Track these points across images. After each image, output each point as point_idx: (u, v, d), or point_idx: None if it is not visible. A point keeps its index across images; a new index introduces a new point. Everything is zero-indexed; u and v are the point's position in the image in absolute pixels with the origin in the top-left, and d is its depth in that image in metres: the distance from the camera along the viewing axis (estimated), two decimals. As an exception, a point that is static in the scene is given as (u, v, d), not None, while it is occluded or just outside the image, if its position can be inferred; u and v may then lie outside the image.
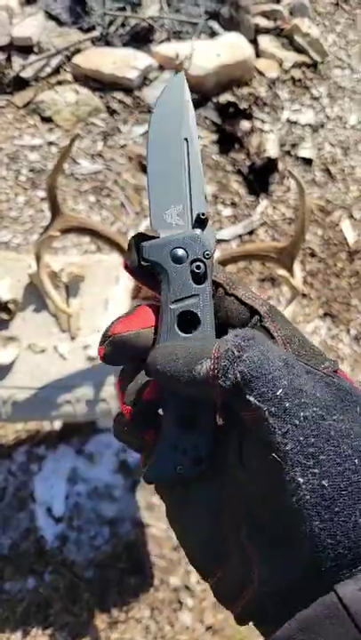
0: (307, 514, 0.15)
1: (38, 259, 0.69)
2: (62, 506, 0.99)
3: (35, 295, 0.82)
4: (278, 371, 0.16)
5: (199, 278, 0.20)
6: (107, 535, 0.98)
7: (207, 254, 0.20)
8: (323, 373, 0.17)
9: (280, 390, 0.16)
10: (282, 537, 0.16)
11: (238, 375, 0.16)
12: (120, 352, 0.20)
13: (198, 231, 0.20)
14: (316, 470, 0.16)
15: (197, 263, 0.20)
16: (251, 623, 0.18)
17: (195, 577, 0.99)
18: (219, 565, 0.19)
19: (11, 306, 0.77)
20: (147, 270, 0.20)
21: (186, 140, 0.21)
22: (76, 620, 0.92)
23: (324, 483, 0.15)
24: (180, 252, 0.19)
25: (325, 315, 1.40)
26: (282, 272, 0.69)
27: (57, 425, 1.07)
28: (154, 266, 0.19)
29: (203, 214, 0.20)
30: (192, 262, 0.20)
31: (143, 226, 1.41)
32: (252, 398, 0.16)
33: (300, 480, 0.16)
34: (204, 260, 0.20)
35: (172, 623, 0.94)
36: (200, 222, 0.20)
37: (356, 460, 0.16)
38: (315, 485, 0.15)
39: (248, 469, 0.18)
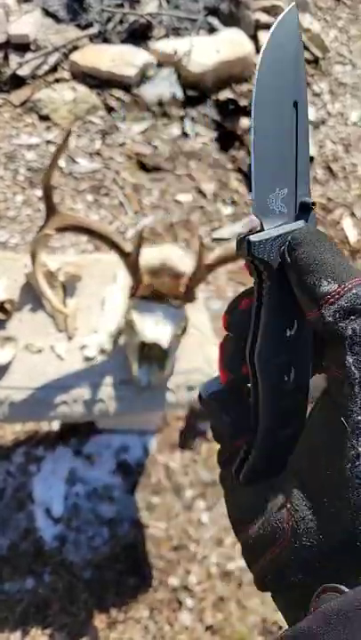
0: (357, 484, 0.15)
1: (34, 258, 0.68)
2: (61, 506, 0.99)
3: (31, 295, 0.81)
4: None
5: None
6: (105, 536, 0.98)
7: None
8: None
9: None
10: (326, 502, 0.16)
11: (350, 329, 0.16)
12: (243, 324, 0.19)
13: (304, 223, 0.18)
14: None
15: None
16: (270, 594, 0.18)
17: (194, 577, 0.99)
18: (253, 517, 0.19)
19: (7, 306, 0.77)
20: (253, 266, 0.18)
21: (295, 104, 0.18)
22: (74, 621, 0.92)
23: None
24: None
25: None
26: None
27: (55, 426, 1.06)
28: (263, 262, 0.18)
29: (309, 202, 0.18)
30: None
31: (142, 225, 1.40)
32: (350, 359, 0.16)
33: None
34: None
35: (172, 623, 0.94)
36: (305, 210, 0.18)
37: None
38: None
39: (313, 425, 0.18)
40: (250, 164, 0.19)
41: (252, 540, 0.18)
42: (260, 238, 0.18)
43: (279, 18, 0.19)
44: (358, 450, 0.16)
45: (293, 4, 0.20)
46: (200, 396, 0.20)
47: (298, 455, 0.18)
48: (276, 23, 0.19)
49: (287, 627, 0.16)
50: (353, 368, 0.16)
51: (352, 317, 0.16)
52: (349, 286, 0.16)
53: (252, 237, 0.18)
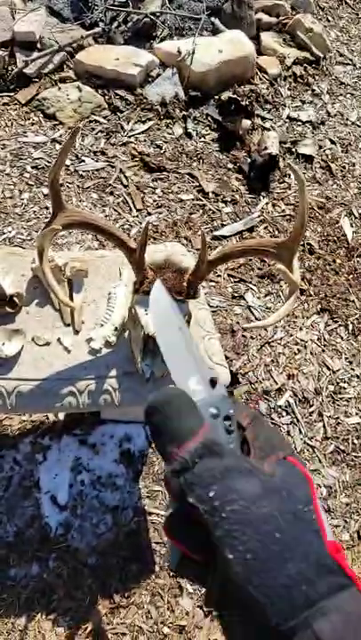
0: (240, 582, 0.19)
1: (41, 253, 0.70)
2: (66, 494, 1.02)
3: (39, 289, 0.83)
4: (212, 478, 0.21)
5: (229, 432, 0.26)
6: (109, 523, 1.01)
7: (231, 413, 0.26)
8: (262, 473, 0.22)
9: (212, 493, 0.21)
10: (242, 607, 0.20)
11: (182, 480, 0.22)
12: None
13: (223, 393, 0.26)
14: (240, 548, 0.20)
15: (227, 422, 0.26)
16: None
17: (194, 564, 1.02)
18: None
19: (15, 299, 0.79)
20: None
21: (180, 328, 0.29)
22: (79, 606, 0.95)
23: (248, 556, 0.20)
24: (214, 410, 0.25)
25: (323, 310, 1.42)
26: (281, 268, 0.70)
27: (61, 416, 1.09)
28: None
29: (214, 378, 0.27)
30: (224, 419, 0.25)
31: (145, 223, 1.42)
32: (191, 499, 0.21)
33: (230, 556, 0.20)
34: (230, 416, 0.26)
35: (173, 609, 0.97)
36: (213, 383, 0.26)
37: (276, 534, 0.20)
38: (241, 559, 0.20)
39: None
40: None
41: None
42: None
43: (152, 293, 0.32)
44: (228, 556, 0.20)
45: (159, 282, 0.34)
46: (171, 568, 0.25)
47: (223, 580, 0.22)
48: (151, 298, 0.32)
49: None
50: (196, 504, 0.21)
51: (183, 472, 0.22)
52: (182, 450, 0.22)
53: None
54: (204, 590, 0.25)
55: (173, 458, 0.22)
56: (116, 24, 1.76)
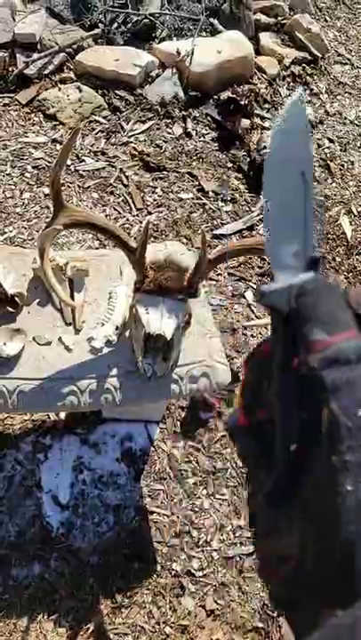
0: (346, 517, 0.17)
1: (42, 252, 0.70)
2: (68, 494, 1.02)
3: (40, 289, 0.84)
4: None
5: None
6: (111, 522, 1.01)
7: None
8: None
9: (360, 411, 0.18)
10: (325, 534, 0.18)
11: (329, 380, 0.18)
12: (262, 367, 0.21)
13: (312, 274, 0.21)
14: None
15: None
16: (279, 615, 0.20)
17: (196, 563, 1.02)
18: (269, 538, 0.21)
19: (17, 299, 0.80)
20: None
21: (303, 174, 0.21)
22: (81, 606, 0.94)
23: None
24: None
25: (324, 309, 1.42)
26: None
27: (62, 415, 1.09)
28: (274, 310, 0.20)
29: (317, 257, 0.21)
30: None
31: (146, 222, 1.42)
32: (334, 405, 0.18)
33: (349, 488, 0.17)
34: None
35: (175, 608, 0.97)
36: (314, 264, 0.21)
37: None
38: (359, 496, 0.17)
39: (315, 459, 0.19)
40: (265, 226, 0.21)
41: (265, 557, 0.20)
42: (270, 288, 0.20)
43: (290, 100, 0.22)
44: (347, 487, 0.17)
45: (301, 88, 0.24)
46: (227, 426, 0.23)
47: (305, 486, 0.19)
48: (286, 104, 0.22)
49: None
50: (338, 413, 0.18)
51: (334, 367, 0.18)
52: (336, 340, 0.18)
53: (264, 287, 0.20)
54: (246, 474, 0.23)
55: (321, 346, 0.18)
56: (115, 25, 1.77)
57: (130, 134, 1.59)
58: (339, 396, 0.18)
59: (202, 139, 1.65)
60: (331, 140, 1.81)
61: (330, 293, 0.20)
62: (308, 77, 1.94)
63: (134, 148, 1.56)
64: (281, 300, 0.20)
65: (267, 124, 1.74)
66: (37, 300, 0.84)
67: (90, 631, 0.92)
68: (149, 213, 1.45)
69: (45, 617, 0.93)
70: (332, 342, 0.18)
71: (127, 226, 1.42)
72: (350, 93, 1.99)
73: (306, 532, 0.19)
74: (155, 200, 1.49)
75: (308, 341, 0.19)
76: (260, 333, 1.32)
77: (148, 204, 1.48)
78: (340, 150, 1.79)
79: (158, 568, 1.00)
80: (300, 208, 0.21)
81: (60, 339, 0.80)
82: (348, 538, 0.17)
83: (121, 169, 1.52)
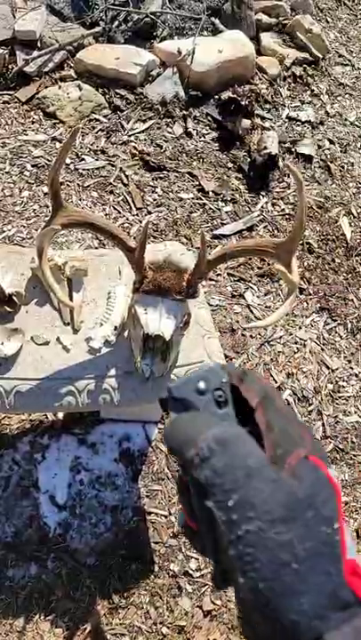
0: (249, 608, 0.18)
1: (41, 252, 0.70)
2: (65, 494, 1.01)
3: (38, 289, 0.83)
4: (235, 483, 0.19)
5: (220, 404, 0.24)
6: (108, 523, 1.01)
7: (224, 382, 0.24)
8: (286, 482, 0.20)
9: (231, 502, 0.19)
10: (251, 617, 0.19)
11: (203, 477, 0.20)
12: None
13: (212, 363, 0.25)
14: (253, 575, 0.18)
15: (217, 393, 0.24)
16: None
17: (194, 563, 1.02)
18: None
19: (15, 298, 0.79)
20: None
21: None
22: (77, 607, 0.94)
23: (260, 585, 0.18)
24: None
25: (323, 309, 1.42)
26: (280, 267, 0.70)
27: (60, 415, 1.09)
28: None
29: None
30: (215, 390, 0.24)
31: (145, 222, 1.42)
32: (210, 503, 0.19)
33: (241, 580, 0.18)
34: (222, 387, 0.24)
35: (172, 609, 0.97)
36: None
37: (293, 565, 0.18)
38: (252, 586, 0.18)
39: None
40: None
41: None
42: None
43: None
44: (239, 580, 0.18)
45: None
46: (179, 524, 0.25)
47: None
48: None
49: None
50: (214, 510, 0.19)
51: (204, 464, 0.20)
52: (199, 444, 0.21)
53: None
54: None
55: (194, 457, 0.21)
56: (116, 23, 1.76)
57: (130, 133, 1.59)
58: (213, 492, 0.19)
59: (202, 138, 1.64)
60: (331, 142, 1.81)
61: (179, 423, 0.23)
62: (308, 78, 1.94)
63: (134, 147, 1.55)
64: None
65: (267, 124, 1.73)
66: (35, 300, 0.83)
67: (87, 632, 0.92)
68: (149, 213, 1.45)
69: (42, 618, 0.92)
70: (197, 448, 0.21)
71: (127, 225, 1.42)
72: (351, 95, 1.99)
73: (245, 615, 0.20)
74: (155, 200, 1.48)
75: (188, 462, 0.21)
76: (258, 334, 1.32)
77: (148, 203, 1.47)
78: (341, 152, 1.79)
79: (156, 569, 0.99)
80: None
81: (58, 339, 0.80)
82: (260, 623, 0.18)
83: (121, 168, 1.51)
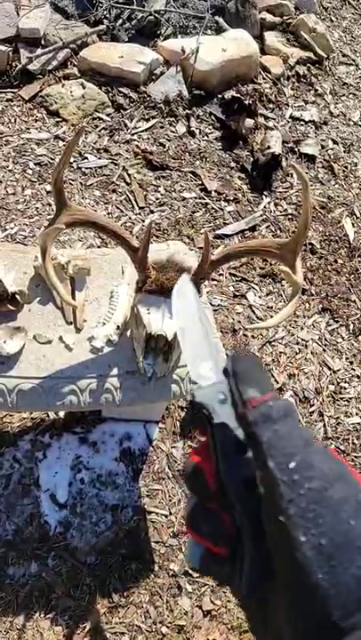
0: (310, 568, 0.18)
1: (44, 251, 0.70)
2: (66, 493, 1.02)
3: (41, 287, 0.83)
4: (296, 448, 0.20)
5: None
6: (109, 521, 1.01)
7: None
8: (331, 452, 0.21)
9: (293, 464, 0.20)
10: (299, 594, 0.19)
11: (265, 438, 0.20)
12: (201, 480, 0.24)
13: (233, 382, 0.25)
14: (314, 531, 0.19)
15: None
16: None
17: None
18: (263, 628, 0.22)
19: (17, 297, 0.79)
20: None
21: (200, 318, 0.30)
22: (77, 605, 0.94)
23: (322, 541, 0.18)
24: (222, 396, 0.25)
25: (325, 310, 1.42)
26: (283, 268, 0.70)
27: (61, 414, 1.09)
28: (203, 406, 0.25)
29: (226, 368, 0.26)
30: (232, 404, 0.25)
31: (148, 221, 1.42)
32: (271, 463, 0.20)
33: (302, 539, 0.19)
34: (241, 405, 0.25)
35: (172, 608, 0.97)
36: (226, 374, 0.25)
37: (351, 522, 0.19)
38: (314, 543, 0.18)
39: (268, 526, 0.21)
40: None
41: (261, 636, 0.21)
42: (199, 388, 0.25)
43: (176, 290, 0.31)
44: (300, 539, 0.18)
45: (184, 275, 0.33)
46: (193, 567, 0.25)
47: (275, 561, 0.20)
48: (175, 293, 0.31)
49: None
50: (275, 471, 0.20)
51: (267, 423, 0.21)
52: (266, 398, 0.21)
53: (193, 388, 0.25)
54: (228, 581, 0.24)
55: (255, 403, 0.21)
56: (120, 22, 1.75)
57: (133, 132, 1.58)
58: (273, 454, 0.20)
59: (205, 138, 1.64)
60: (335, 142, 1.80)
61: (253, 362, 0.24)
62: (312, 78, 1.93)
63: (137, 145, 1.55)
64: (209, 397, 0.24)
65: (271, 123, 1.73)
66: (38, 299, 0.83)
67: (86, 630, 0.92)
68: (152, 212, 1.45)
69: (42, 616, 0.93)
70: (263, 400, 0.21)
71: (129, 224, 1.41)
72: (355, 94, 1.98)
73: (287, 608, 0.20)
74: (157, 199, 1.48)
75: (244, 399, 0.22)
76: (260, 334, 1.32)
77: (151, 202, 1.47)
78: (344, 152, 1.79)
79: (156, 568, 1.00)
80: (203, 337, 0.28)
81: (60, 337, 0.80)
82: (319, 586, 0.18)
83: (124, 167, 1.51)
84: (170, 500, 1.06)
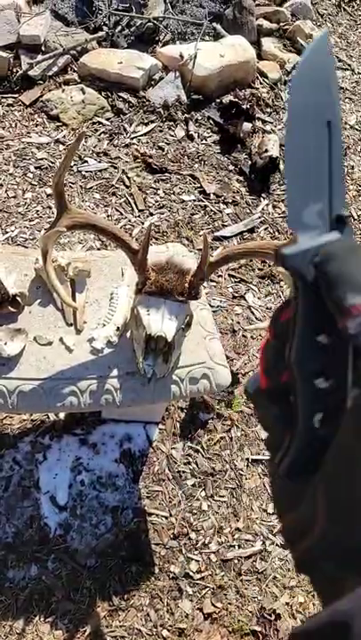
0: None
1: (45, 253, 0.71)
2: (66, 495, 1.01)
3: (41, 289, 0.84)
4: None
5: None
6: (109, 523, 1.01)
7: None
8: None
9: None
10: (349, 509, 0.17)
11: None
12: (286, 333, 0.20)
13: (338, 235, 0.18)
14: None
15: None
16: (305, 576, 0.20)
17: (194, 565, 1.02)
18: (293, 507, 0.20)
19: (18, 299, 0.80)
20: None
21: (329, 123, 0.19)
22: (77, 608, 0.94)
23: None
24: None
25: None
26: (282, 270, 0.71)
27: (62, 415, 1.09)
28: (296, 273, 0.19)
29: (344, 215, 0.19)
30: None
31: (147, 223, 1.43)
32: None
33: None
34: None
35: (172, 611, 0.96)
36: (340, 223, 0.19)
37: None
38: None
39: (344, 432, 0.18)
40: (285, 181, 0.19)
41: (290, 528, 0.20)
42: (292, 251, 0.18)
43: (312, 43, 0.20)
44: None
45: (326, 30, 0.21)
46: (246, 391, 0.21)
47: (330, 458, 0.18)
48: (308, 47, 0.19)
49: (318, 610, 0.18)
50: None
51: None
52: None
53: (285, 250, 0.18)
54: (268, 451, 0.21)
55: (357, 311, 0.17)
56: (119, 28, 1.78)
57: (132, 136, 1.60)
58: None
59: (204, 141, 1.66)
60: (332, 145, 1.82)
61: (357, 255, 0.18)
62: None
63: (137, 149, 1.57)
64: (304, 263, 0.18)
65: (268, 127, 1.75)
66: (39, 301, 0.84)
67: (87, 634, 0.92)
68: (151, 215, 1.46)
69: (42, 619, 0.92)
70: None
71: (129, 227, 1.43)
72: (351, 99, 2.01)
73: (329, 507, 0.18)
74: (157, 202, 1.49)
75: (343, 306, 0.17)
76: (260, 335, 1.33)
77: (150, 205, 1.48)
78: (341, 155, 1.81)
79: (156, 570, 0.99)
80: (325, 162, 0.18)
81: (61, 339, 0.80)
82: None
83: (123, 170, 1.52)
84: (170, 502, 1.06)
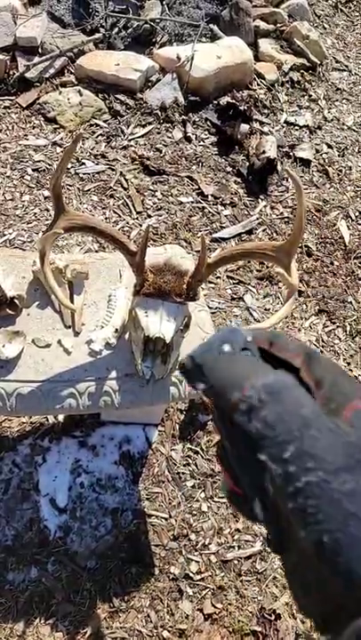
0: (311, 562, 0.17)
1: (43, 255, 0.71)
2: (65, 497, 1.01)
3: (39, 292, 0.84)
4: (289, 434, 0.18)
5: None
6: (109, 525, 1.01)
7: (249, 341, 0.21)
8: (343, 431, 0.18)
9: (287, 453, 0.18)
10: (313, 578, 0.18)
11: (253, 429, 0.18)
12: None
13: (232, 324, 0.21)
14: (317, 527, 0.17)
15: (245, 352, 0.21)
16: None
17: (195, 566, 1.02)
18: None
19: (16, 301, 0.80)
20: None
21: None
22: (78, 610, 0.94)
23: (325, 538, 0.17)
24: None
25: (322, 312, 1.43)
26: (279, 270, 0.71)
27: (61, 418, 1.09)
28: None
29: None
30: (241, 351, 0.21)
31: (145, 225, 1.43)
32: (263, 456, 0.18)
33: (302, 534, 0.17)
34: (249, 347, 0.21)
35: (173, 612, 0.97)
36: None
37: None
38: (316, 539, 0.17)
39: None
40: None
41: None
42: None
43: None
44: (300, 533, 0.17)
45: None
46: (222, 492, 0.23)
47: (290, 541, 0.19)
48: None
49: None
50: (268, 463, 0.18)
51: (252, 414, 0.18)
52: (245, 391, 0.19)
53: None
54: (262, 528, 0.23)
55: (239, 402, 0.19)
56: (116, 30, 1.78)
57: (130, 138, 1.60)
58: (264, 444, 0.18)
59: (201, 143, 1.66)
60: (329, 146, 1.83)
61: (218, 358, 0.21)
62: (306, 84, 1.96)
63: (134, 151, 1.57)
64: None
65: (266, 129, 1.75)
66: (37, 303, 0.84)
67: (87, 636, 0.92)
68: (149, 216, 1.46)
69: (42, 621, 0.92)
70: (244, 394, 0.19)
71: (127, 229, 1.43)
72: (348, 100, 2.01)
73: (298, 588, 0.19)
74: (154, 203, 1.50)
75: (230, 404, 0.19)
76: (258, 336, 1.33)
77: (148, 207, 1.48)
78: (339, 155, 1.81)
79: (156, 572, 0.99)
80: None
81: (59, 341, 0.80)
82: (326, 579, 0.17)
83: (121, 172, 1.53)
84: (170, 503, 1.06)
